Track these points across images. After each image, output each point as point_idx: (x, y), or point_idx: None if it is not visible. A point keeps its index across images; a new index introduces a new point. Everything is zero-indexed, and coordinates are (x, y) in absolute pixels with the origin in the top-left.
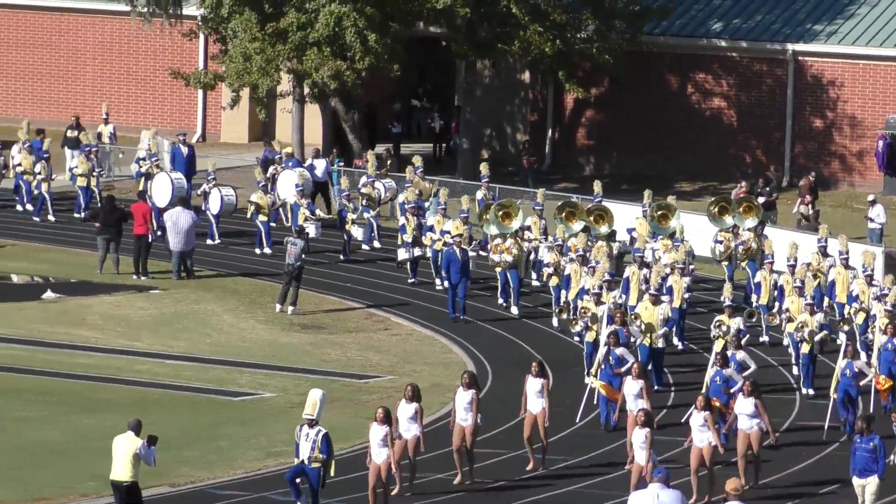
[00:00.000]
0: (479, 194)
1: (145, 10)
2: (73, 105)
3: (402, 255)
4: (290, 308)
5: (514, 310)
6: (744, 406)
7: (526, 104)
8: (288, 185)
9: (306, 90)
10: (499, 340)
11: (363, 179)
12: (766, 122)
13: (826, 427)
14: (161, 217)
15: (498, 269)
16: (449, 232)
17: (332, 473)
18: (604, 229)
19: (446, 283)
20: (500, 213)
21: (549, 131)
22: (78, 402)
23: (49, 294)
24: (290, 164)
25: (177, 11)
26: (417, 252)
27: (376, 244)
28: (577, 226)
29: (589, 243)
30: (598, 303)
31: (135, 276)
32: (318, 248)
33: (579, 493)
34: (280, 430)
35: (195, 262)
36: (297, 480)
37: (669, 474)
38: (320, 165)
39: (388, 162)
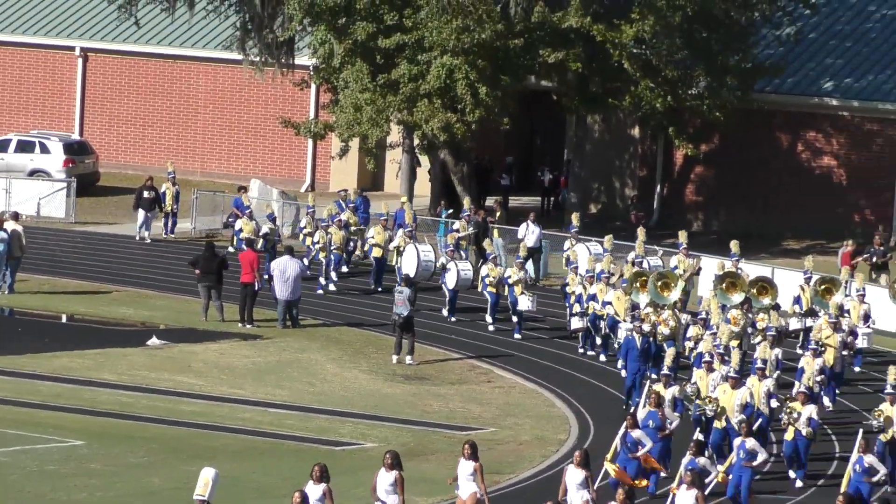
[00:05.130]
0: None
1: (258, 59)
2: (184, 152)
3: (576, 323)
4: (408, 358)
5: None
6: (685, 499)
7: (635, 159)
8: (583, 261)
9: (416, 141)
10: (600, 394)
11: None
12: (876, 182)
13: None
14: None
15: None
16: (611, 303)
17: None
18: (766, 301)
19: (623, 373)
20: (659, 283)
21: (658, 186)
22: (181, 448)
23: (154, 340)
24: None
25: (289, 61)
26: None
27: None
28: (738, 297)
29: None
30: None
31: (240, 324)
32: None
33: None
34: None
35: (300, 311)
36: None
37: None
38: (535, 232)
39: (497, 214)
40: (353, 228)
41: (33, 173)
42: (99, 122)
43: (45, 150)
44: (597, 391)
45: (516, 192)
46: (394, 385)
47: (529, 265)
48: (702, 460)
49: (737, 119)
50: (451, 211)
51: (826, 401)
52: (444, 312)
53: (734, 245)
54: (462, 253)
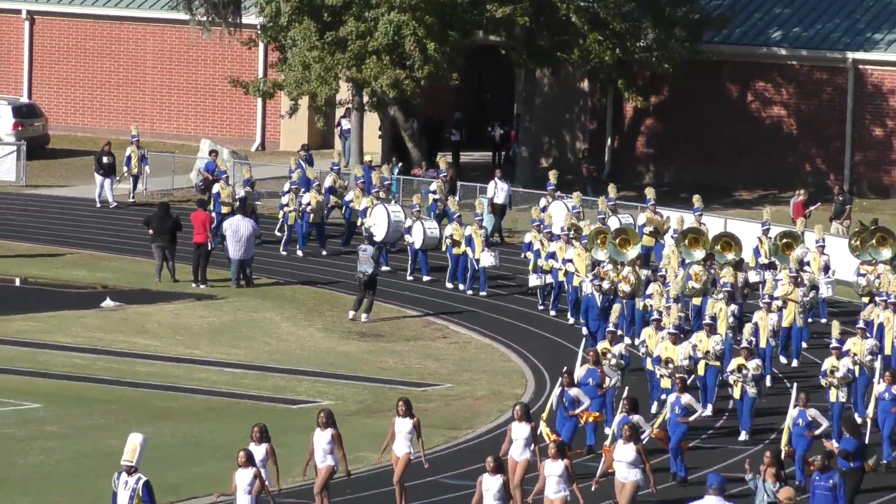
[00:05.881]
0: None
1: (205, 18)
2: (132, 114)
3: (534, 280)
4: (364, 315)
5: (626, 341)
6: (624, 453)
7: (585, 113)
8: (559, 218)
9: (365, 99)
10: (556, 348)
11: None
12: (826, 131)
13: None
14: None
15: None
16: (571, 260)
17: None
18: (731, 256)
19: (584, 330)
20: (618, 239)
21: (609, 140)
22: (137, 410)
23: (108, 302)
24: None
25: (236, 20)
26: (549, 279)
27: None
28: (700, 253)
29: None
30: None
31: (194, 285)
32: (492, 275)
33: None
34: None
35: (254, 271)
36: None
37: (724, 482)
38: (503, 189)
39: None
40: (339, 190)
41: None
42: (47, 85)
43: None
44: (552, 345)
45: (467, 147)
46: (349, 343)
47: (488, 222)
48: (635, 418)
49: (685, 71)
50: (400, 165)
51: (794, 361)
52: (423, 277)
53: (696, 200)
54: (431, 213)
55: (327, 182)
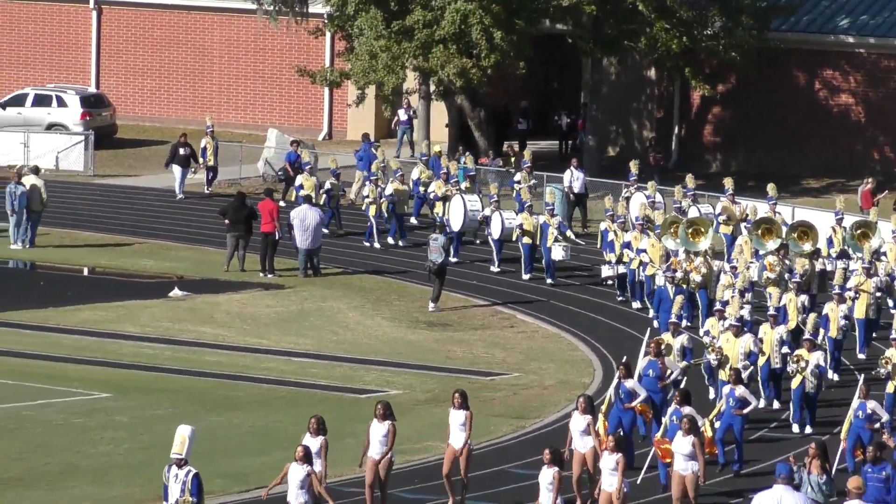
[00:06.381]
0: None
1: (272, 8)
2: (199, 104)
3: (606, 271)
4: (431, 305)
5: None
6: (682, 445)
7: (652, 101)
8: (637, 208)
9: (432, 88)
10: (623, 337)
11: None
12: (894, 119)
13: (833, 471)
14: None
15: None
16: (645, 251)
17: None
18: (807, 246)
19: (656, 323)
20: (691, 229)
21: (676, 128)
22: (206, 399)
23: (176, 292)
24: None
25: (303, 9)
26: (622, 269)
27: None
28: (773, 244)
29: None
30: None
31: (261, 274)
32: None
33: None
34: (405, 427)
35: (321, 260)
36: None
37: (793, 472)
38: (579, 178)
39: (513, 158)
40: (423, 180)
41: (51, 127)
42: (115, 75)
43: (62, 103)
44: (620, 334)
45: (533, 136)
46: (417, 332)
47: (558, 208)
48: (686, 409)
49: (753, 59)
50: (468, 154)
51: (862, 354)
52: (492, 268)
53: (771, 189)
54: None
55: (414, 174)
